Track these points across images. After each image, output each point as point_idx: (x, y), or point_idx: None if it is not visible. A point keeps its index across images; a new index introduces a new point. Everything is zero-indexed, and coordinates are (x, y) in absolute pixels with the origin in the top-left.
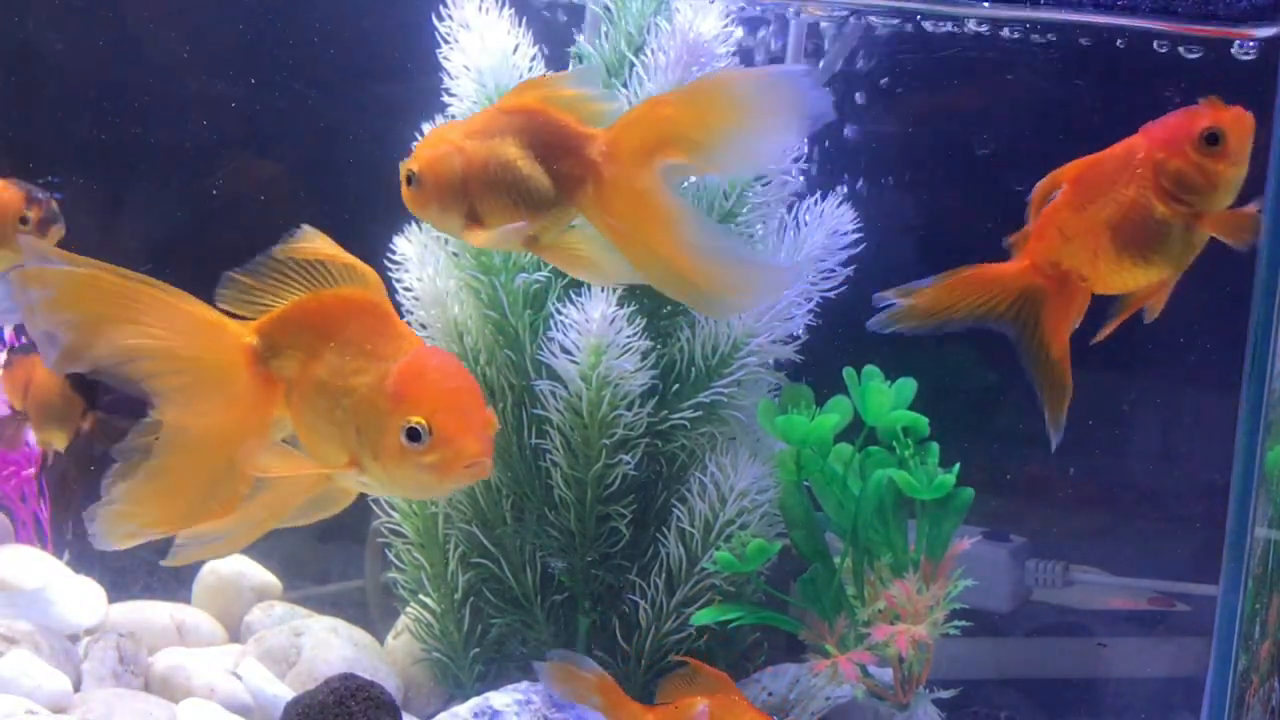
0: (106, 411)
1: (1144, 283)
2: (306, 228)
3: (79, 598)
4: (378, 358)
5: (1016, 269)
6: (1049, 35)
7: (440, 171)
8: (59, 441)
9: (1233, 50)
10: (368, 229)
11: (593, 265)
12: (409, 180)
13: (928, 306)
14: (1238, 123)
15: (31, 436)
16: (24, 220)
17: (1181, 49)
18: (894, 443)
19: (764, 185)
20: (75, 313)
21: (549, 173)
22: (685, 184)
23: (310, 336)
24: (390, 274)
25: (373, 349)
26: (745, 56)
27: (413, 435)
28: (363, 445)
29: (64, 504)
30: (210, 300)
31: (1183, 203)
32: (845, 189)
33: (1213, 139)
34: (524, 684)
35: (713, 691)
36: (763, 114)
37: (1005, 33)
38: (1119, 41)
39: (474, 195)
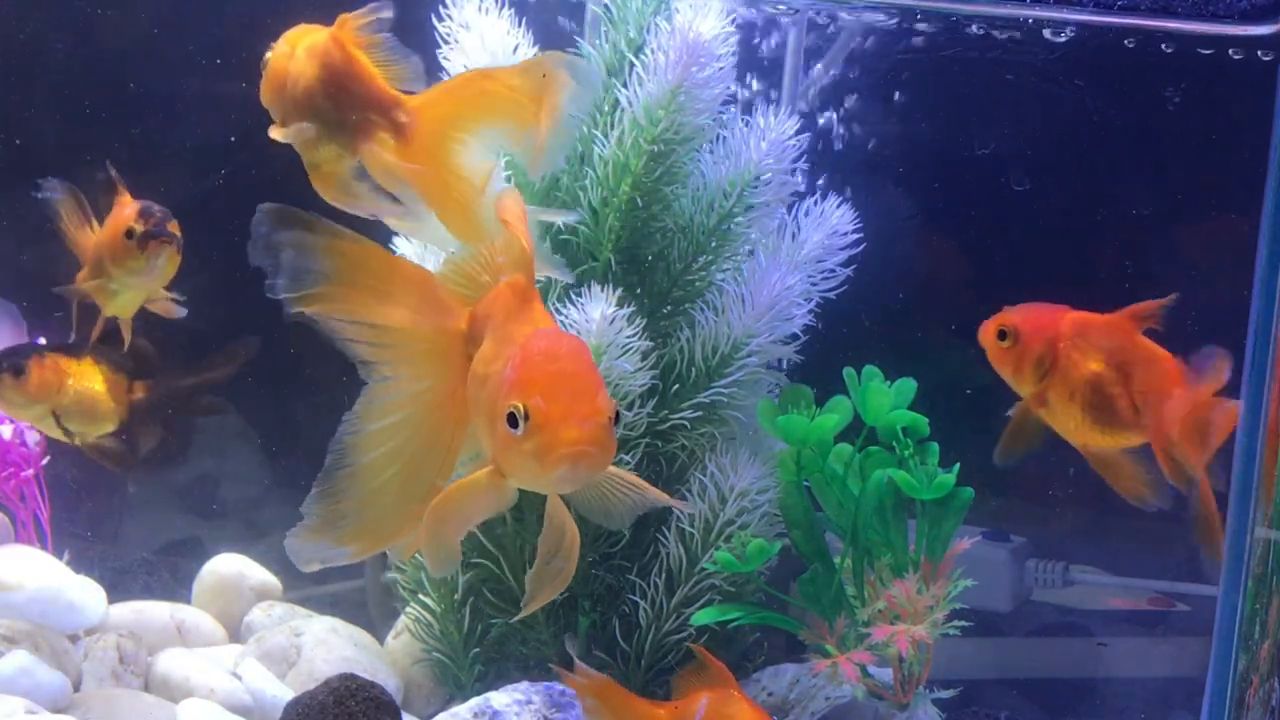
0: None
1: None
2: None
3: (79, 598)
4: (510, 343)
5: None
6: (1047, 34)
7: (273, 70)
8: (107, 426)
9: (1232, 49)
10: (368, 227)
11: (361, 202)
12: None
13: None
14: None
15: (28, 437)
16: (129, 234)
17: (1181, 47)
18: (894, 443)
19: (764, 185)
20: (323, 261)
21: (343, 118)
22: (687, 183)
23: (483, 326)
24: None
25: (507, 335)
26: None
27: (511, 421)
28: (494, 439)
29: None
30: None
31: None
32: (846, 190)
33: None
34: (524, 684)
35: (713, 686)
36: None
37: (1002, 32)
38: (1102, 40)
39: (284, 100)
